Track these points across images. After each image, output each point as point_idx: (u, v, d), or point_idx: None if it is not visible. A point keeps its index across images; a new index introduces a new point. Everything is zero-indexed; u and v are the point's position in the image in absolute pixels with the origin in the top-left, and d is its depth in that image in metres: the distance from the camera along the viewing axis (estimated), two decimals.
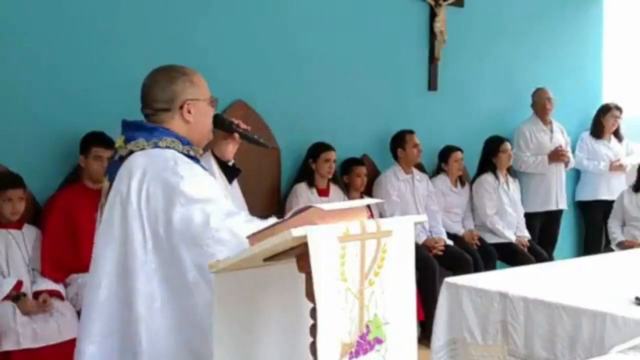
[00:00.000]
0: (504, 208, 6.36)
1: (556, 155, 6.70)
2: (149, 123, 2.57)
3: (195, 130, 2.60)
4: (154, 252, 2.37)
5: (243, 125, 2.80)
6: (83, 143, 4.45)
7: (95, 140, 4.43)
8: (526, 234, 6.44)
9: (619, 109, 7.08)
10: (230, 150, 2.83)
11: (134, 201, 2.40)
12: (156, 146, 2.48)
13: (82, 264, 4.29)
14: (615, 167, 6.98)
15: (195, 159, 2.54)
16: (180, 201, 2.30)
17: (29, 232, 4.27)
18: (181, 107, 2.55)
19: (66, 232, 4.33)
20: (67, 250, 4.31)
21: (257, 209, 5.22)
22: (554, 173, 6.74)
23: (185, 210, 2.29)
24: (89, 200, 4.42)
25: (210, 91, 2.65)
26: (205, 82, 2.65)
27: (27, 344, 3.88)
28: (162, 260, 2.36)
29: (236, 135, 2.78)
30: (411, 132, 5.75)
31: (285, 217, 2.16)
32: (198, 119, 2.59)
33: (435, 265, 5.58)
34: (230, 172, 2.87)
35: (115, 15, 4.79)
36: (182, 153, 2.49)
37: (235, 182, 2.97)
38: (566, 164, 6.83)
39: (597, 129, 7.12)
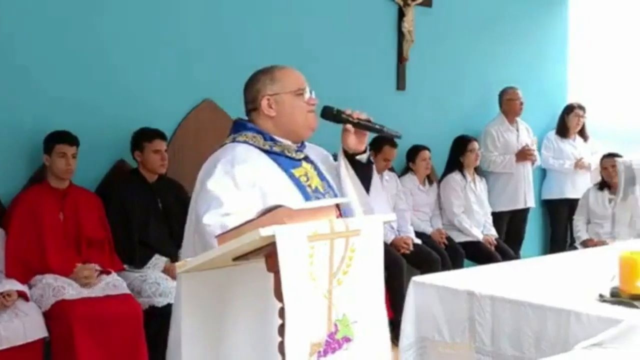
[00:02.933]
0: (472, 207, 6.41)
1: (523, 155, 6.77)
2: (242, 120, 2.76)
3: (282, 123, 2.68)
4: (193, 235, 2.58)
5: (358, 115, 2.69)
6: (47, 141, 4.40)
7: (59, 138, 4.39)
8: (493, 233, 6.50)
9: (582, 108, 7.18)
10: (349, 142, 2.71)
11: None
12: (234, 140, 2.67)
13: (46, 264, 4.26)
14: (580, 165, 7.07)
15: (276, 154, 2.65)
16: (198, 195, 2.56)
17: None
18: (262, 103, 2.67)
19: (31, 232, 4.27)
20: (31, 250, 4.26)
21: None
22: (521, 172, 6.81)
23: (197, 201, 2.55)
24: (54, 199, 4.39)
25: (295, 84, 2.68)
26: (293, 75, 2.70)
27: None
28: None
29: (348, 126, 2.69)
30: (393, 145, 5.76)
31: (253, 217, 2.16)
32: (282, 112, 2.67)
33: (403, 263, 5.60)
34: (358, 166, 2.75)
35: (87, 11, 4.75)
36: (260, 148, 2.63)
37: (376, 178, 2.88)
38: (533, 163, 6.91)
39: (562, 129, 7.22)
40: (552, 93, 7.59)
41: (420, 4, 6.48)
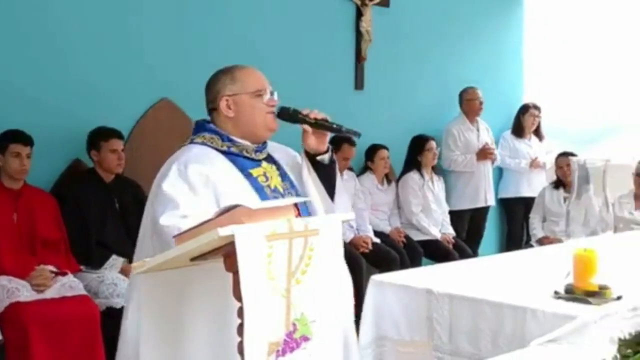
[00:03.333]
0: (430, 206, 6.46)
1: (484, 154, 6.84)
2: (202, 120, 2.75)
3: (241, 123, 2.66)
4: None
5: (315, 115, 2.67)
6: (0, 141, 4.32)
7: (12, 137, 4.31)
8: (451, 231, 6.56)
9: (537, 108, 7.29)
10: (309, 142, 2.69)
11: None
12: (192, 142, 2.67)
13: (0, 266, 4.17)
14: (535, 165, 7.18)
15: (234, 154, 2.63)
16: (155, 197, 2.55)
17: None
18: (221, 104, 2.66)
19: None
20: None
21: None
22: (481, 171, 6.89)
23: (152, 204, 2.55)
24: (8, 200, 4.31)
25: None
26: (253, 76, 2.68)
27: None
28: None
29: (306, 126, 2.66)
30: (352, 144, 5.77)
31: (211, 216, 2.15)
32: (240, 113, 2.65)
33: (362, 262, 5.62)
34: (320, 167, 2.73)
35: (41, 6, 4.67)
36: (218, 149, 2.62)
37: (341, 175, 2.85)
38: (493, 162, 6.99)
39: (518, 128, 7.31)
40: (508, 93, 7.69)
41: (378, 4, 6.51)
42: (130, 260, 4.57)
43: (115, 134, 4.72)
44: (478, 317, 2.62)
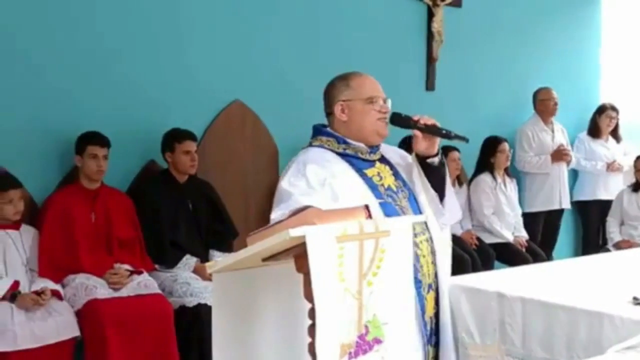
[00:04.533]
0: (502, 208, 6.36)
1: (559, 155, 6.71)
2: (319, 125, 2.88)
3: (353, 128, 2.78)
4: None
5: (425, 121, 2.75)
6: (78, 142, 4.44)
7: (90, 139, 4.43)
8: (524, 234, 6.44)
9: (614, 109, 7.09)
10: (419, 146, 2.77)
11: None
12: (310, 145, 2.83)
13: (79, 264, 4.30)
14: (613, 168, 6.99)
15: (349, 156, 2.76)
16: (275, 194, 2.66)
17: (27, 233, 4.26)
18: (336, 109, 2.77)
19: (63, 232, 4.32)
20: (64, 250, 4.30)
21: (256, 209, 5.26)
22: (556, 172, 6.75)
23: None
24: (86, 200, 4.43)
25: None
26: (367, 83, 2.80)
27: (25, 344, 3.87)
28: None
29: (416, 131, 2.75)
30: None
31: (283, 217, 2.16)
32: (353, 118, 2.76)
33: None
34: (429, 169, 2.81)
35: (106, 14, 4.79)
36: (335, 151, 2.76)
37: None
38: (568, 163, 6.84)
39: (594, 129, 7.13)
40: (585, 93, 7.51)
41: (450, 4, 6.45)
42: (202, 260, 4.66)
43: (188, 135, 4.80)
44: (552, 322, 2.57)
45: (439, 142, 2.80)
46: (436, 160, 2.81)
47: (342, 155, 2.76)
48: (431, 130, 2.74)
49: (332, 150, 2.77)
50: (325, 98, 2.85)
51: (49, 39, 4.57)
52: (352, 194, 2.58)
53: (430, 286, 2.72)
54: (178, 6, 5.09)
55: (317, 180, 2.62)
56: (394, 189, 2.77)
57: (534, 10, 7.10)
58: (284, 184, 2.64)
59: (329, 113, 2.83)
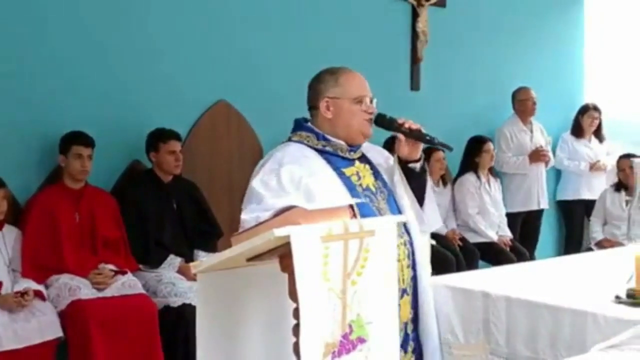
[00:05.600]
0: (486, 208, 6.38)
1: (537, 156, 6.74)
2: (300, 119, 2.81)
3: (338, 126, 2.72)
4: None
5: (410, 125, 2.72)
6: (63, 142, 4.42)
7: (75, 139, 4.41)
8: (508, 234, 6.47)
9: (597, 109, 7.13)
10: (402, 150, 2.77)
11: None
12: (289, 140, 2.76)
13: (62, 264, 4.28)
14: (596, 168, 7.03)
15: (329, 153, 2.71)
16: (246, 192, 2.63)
17: (9, 233, 4.23)
18: (322, 105, 2.71)
19: (47, 232, 4.30)
20: (47, 250, 4.28)
21: (241, 209, 5.24)
22: (534, 173, 6.78)
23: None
24: (70, 200, 4.41)
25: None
26: (356, 82, 2.75)
27: (8, 345, 3.85)
28: None
29: (400, 135, 2.73)
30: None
31: (268, 217, 2.16)
32: (338, 116, 2.71)
33: None
34: (410, 174, 2.80)
35: (92, 14, 4.76)
36: (314, 148, 2.70)
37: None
38: (546, 164, 6.88)
39: (577, 129, 7.17)
40: (568, 93, 7.55)
41: (434, 4, 6.46)
42: (187, 260, 4.65)
43: (173, 135, 4.79)
44: (536, 321, 2.58)
45: (422, 147, 2.77)
46: (418, 165, 2.78)
47: (321, 152, 2.71)
48: (415, 135, 2.71)
49: (311, 147, 2.72)
50: (310, 91, 2.78)
51: (31, 39, 4.54)
52: (329, 193, 2.53)
53: (405, 291, 2.66)
54: (163, 6, 5.07)
55: (291, 182, 2.55)
56: (373, 189, 2.72)
57: (518, 11, 7.13)
58: (256, 183, 2.59)
59: (313, 107, 2.77)
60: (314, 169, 2.64)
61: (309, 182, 2.56)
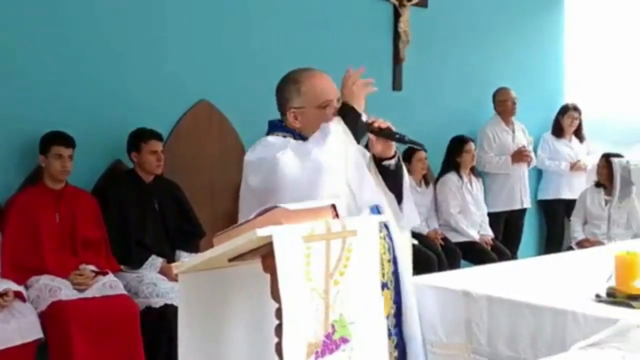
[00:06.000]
0: (468, 207, 6.41)
1: (519, 156, 6.78)
2: (277, 120, 2.82)
3: (307, 132, 2.70)
4: None
5: (379, 124, 2.70)
6: (43, 142, 4.39)
7: (55, 139, 4.38)
8: (490, 233, 6.50)
9: (577, 109, 7.18)
10: (375, 148, 2.75)
11: None
12: (268, 134, 2.77)
13: (43, 265, 4.25)
14: (577, 168, 7.08)
15: None
16: (248, 167, 2.69)
17: None
18: (289, 115, 2.73)
19: (26, 233, 4.26)
20: (27, 251, 4.25)
21: (223, 210, 5.24)
22: (517, 172, 6.82)
23: (248, 172, 2.69)
24: (50, 200, 4.38)
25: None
26: (320, 86, 2.73)
27: None
28: None
29: (370, 134, 2.72)
30: None
31: (249, 217, 2.16)
32: (306, 124, 2.71)
33: None
34: (386, 171, 2.79)
35: (72, 13, 4.73)
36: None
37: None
38: (529, 164, 6.92)
39: (557, 130, 7.22)
40: (549, 93, 7.59)
41: (416, 5, 6.48)
42: (169, 260, 4.63)
43: (154, 135, 4.77)
44: (517, 320, 2.60)
45: (395, 145, 2.75)
46: (392, 162, 2.77)
47: None
48: (385, 134, 2.69)
49: None
50: (277, 97, 2.79)
51: (10, 39, 4.50)
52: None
53: (385, 285, 2.65)
54: (145, 6, 5.04)
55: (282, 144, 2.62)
56: None
57: (499, 11, 7.17)
58: (251, 155, 2.67)
59: (282, 112, 2.79)
60: None
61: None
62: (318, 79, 2.76)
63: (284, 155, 2.53)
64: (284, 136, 2.74)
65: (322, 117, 2.69)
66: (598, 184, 6.43)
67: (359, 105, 2.66)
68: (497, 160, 6.77)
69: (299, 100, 2.72)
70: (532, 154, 6.95)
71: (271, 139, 2.72)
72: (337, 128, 2.56)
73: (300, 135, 2.72)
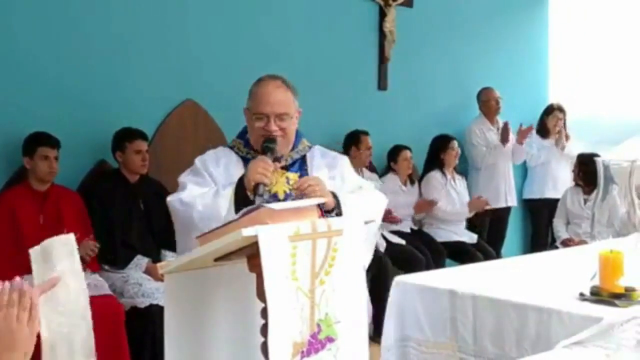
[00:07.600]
0: (454, 204, 6.42)
1: (505, 132, 6.75)
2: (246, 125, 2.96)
3: (250, 135, 2.89)
4: None
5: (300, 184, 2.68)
6: (27, 144, 4.35)
7: (40, 140, 4.35)
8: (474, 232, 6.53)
9: (561, 110, 7.23)
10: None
11: None
12: (226, 145, 3.01)
13: (26, 265, 4.20)
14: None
15: (245, 158, 2.86)
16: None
17: None
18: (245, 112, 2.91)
19: (9, 233, 4.23)
20: (10, 251, 4.21)
21: None
22: (502, 171, 6.85)
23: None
24: (34, 201, 4.35)
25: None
26: (261, 98, 2.81)
27: None
28: None
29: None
30: (366, 133, 5.78)
31: (235, 217, 2.15)
32: (249, 127, 2.90)
33: (387, 263, 5.61)
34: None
35: (55, 13, 4.71)
36: (240, 155, 2.89)
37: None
38: (520, 143, 6.87)
39: (543, 129, 7.26)
40: (533, 92, 7.64)
41: (401, 4, 6.50)
42: (154, 260, 4.62)
43: (139, 135, 4.75)
44: (502, 319, 2.60)
45: (333, 198, 2.70)
46: (334, 214, 2.71)
47: (244, 159, 2.85)
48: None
49: (238, 154, 2.89)
50: None
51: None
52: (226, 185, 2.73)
53: None
54: (129, 6, 5.02)
55: (205, 169, 2.85)
56: (281, 197, 2.74)
57: (484, 11, 7.20)
58: (182, 177, 2.91)
59: None
60: (231, 174, 2.78)
61: (213, 171, 2.80)
62: (262, 88, 2.85)
63: (181, 185, 2.85)
64: (238, 144, 2.91)
65: (253, 126, 2.83)
66: (577, 184, 6.47)
67: (249, 180, 2.67)
68: (489, 150, 6.76)
69: (249, 102, 2.88)
70: (512, 136, 6.91)
71: (209, 153, 2.94)
72: (225, 204, 2.65)
73: (248, 144, 2.88)
